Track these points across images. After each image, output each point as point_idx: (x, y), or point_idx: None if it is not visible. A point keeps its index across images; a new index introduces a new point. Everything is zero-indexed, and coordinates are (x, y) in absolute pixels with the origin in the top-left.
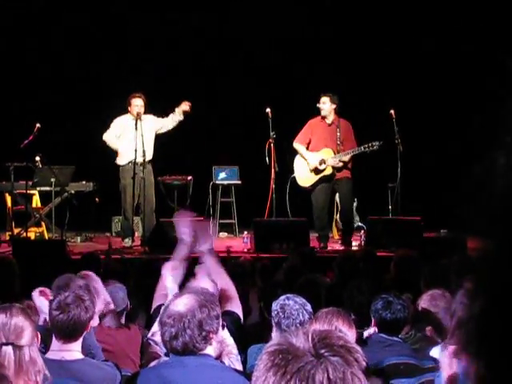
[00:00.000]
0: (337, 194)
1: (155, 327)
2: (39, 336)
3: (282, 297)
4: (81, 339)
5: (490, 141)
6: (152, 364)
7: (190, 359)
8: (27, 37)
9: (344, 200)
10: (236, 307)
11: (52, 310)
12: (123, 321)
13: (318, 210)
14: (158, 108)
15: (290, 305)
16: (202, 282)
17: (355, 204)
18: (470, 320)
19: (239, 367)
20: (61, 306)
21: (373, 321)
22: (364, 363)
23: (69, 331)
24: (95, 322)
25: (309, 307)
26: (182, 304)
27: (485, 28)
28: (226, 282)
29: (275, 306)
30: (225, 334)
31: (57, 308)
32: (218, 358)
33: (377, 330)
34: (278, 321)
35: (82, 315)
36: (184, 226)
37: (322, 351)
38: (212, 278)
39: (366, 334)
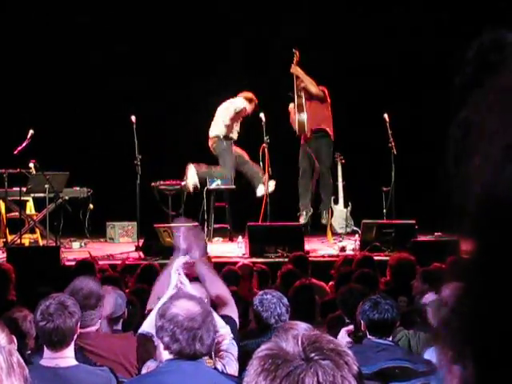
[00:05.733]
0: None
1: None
2: (15, 341)
3: (261, 292)
4: (72, 344)
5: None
6: (145, 370)
7: (186, 364)
8: (23, 42)
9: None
10: (232, 312)
11: (37, 320)
12: (119, 327)
13: (300, 178)
14: (154, 110)
15: (268, 299)
16: (193, 289)
17: (349, 208)
18: (456, 321)
19: (234, 367)
20: (44, 315)
21: (362, 323)
22: (355, 367)
23: (57, 339)
24: (96, 326)
25: (285, 300)
26: (192, 310)
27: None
28: (220, 289)
29: (255, 300)
30: (225, 329)
31: (41, 319)
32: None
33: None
34: (257, 313)
35: (67, 322)
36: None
37: (312, 355)
38: (206, 285)
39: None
